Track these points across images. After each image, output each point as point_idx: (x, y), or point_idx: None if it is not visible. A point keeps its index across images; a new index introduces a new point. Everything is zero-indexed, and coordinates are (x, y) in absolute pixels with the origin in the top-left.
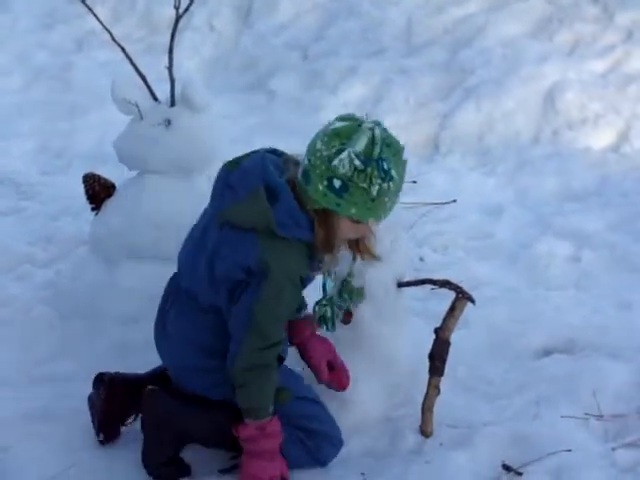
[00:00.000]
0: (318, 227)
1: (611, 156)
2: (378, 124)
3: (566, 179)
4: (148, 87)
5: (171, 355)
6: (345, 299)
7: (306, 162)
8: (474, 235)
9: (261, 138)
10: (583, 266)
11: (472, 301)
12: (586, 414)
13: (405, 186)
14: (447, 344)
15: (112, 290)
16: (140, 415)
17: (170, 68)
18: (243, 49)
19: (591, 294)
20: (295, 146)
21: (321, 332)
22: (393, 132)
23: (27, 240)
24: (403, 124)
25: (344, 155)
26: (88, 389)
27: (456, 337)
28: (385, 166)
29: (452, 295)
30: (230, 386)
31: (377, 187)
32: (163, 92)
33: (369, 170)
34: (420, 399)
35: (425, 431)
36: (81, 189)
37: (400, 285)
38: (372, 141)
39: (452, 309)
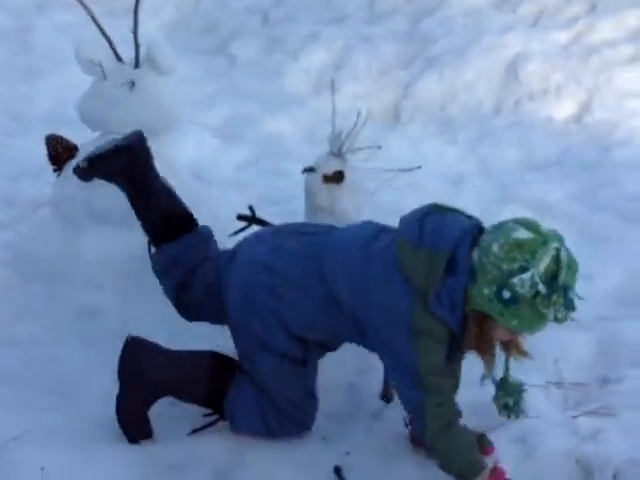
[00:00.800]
0: (473, 325)
1: (573, 127)
2: (561, 240)
3: (528, 149)
4: (112, 48)
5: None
6: (504, 396)
7: (476, 260)
8: None
9: (222, 103)
10: None
11: None
12: (547, 382)
13: (366, 152)
14: None
15: (75, 254)
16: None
17: (135, 30)
18: (203, 12)
19: None
20: (256, 111)
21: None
22: (355, 100)
23: None
24: (365, 92)
25: (527, 276)
26: (50, 352)
27: None
28: (570, 295)
29: None
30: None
31: (561, 314)
32: (125, 54)
33: (554, 297)
34: (382, 366)
35: (387, 397)
36: (42, 151)
37: None
38: (557, 263)
39: None
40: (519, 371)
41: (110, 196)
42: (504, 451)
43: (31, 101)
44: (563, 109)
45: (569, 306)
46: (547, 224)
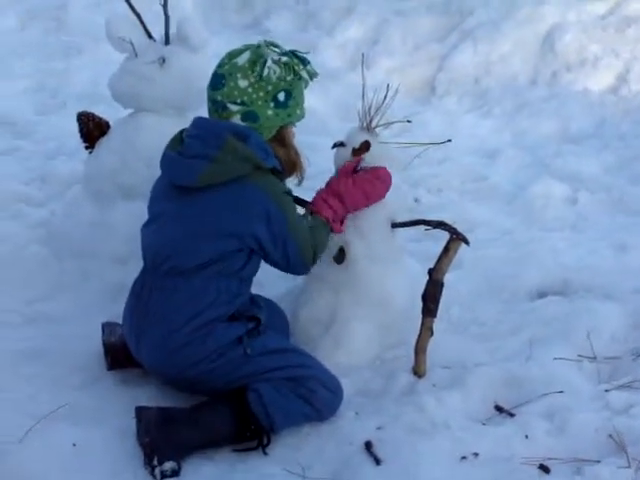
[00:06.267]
0: (279, 150)
1: (609, 98)
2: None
3: (564, 121)
4: (143, 25)
5: (163, 338)
6: None
7: (238, 107)
8: (469, 177)
9: None
10: (579, 208)
11: (466, 242)
12: (579, 356)
13: (399, 126)
14: (440, 285)
15: (105, 230)
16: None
17: (165, 4)
18: None
19: (587, 236)
20: None
21: None
22: (389, 74)
23: (22, 179)
24: (399, 66)
25: (270, 64)
26: (80, 330)
27: (450, 278)
28: (298, 54)
29: (446, 236)
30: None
31: (307, 71)
32: (158, 32)
33: (294, 60)
34: (413, 340)
35: (418, 372)
36: (76, 128)
37: (394, 226)
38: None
39: (446, 250)
40: (551, 345)
41: (138, 171)
42: (536, 426)
43: (66, 78)
44: (600, 81)
45: (305, 61)
46: (583, 196)
